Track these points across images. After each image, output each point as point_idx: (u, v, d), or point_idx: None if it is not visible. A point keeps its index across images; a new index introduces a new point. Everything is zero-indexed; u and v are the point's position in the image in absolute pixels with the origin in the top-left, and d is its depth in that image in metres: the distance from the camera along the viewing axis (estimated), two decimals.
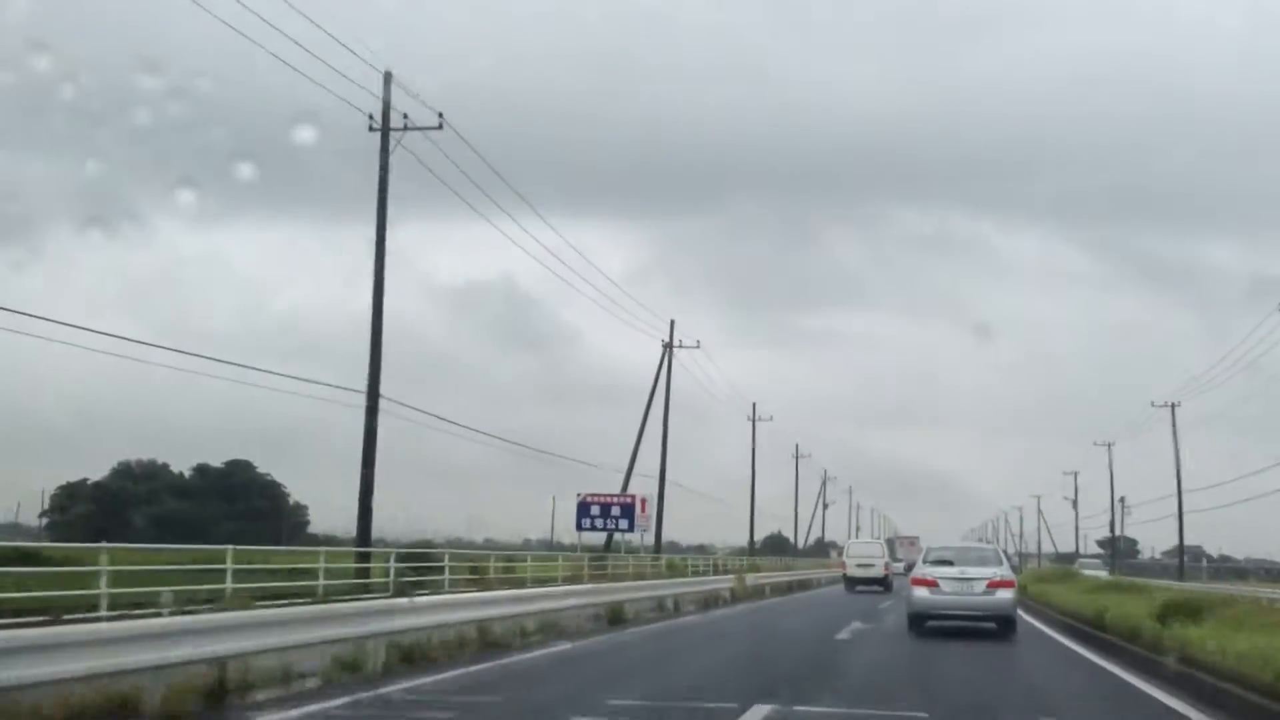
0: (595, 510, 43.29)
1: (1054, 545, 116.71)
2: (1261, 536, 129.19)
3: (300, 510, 71.32)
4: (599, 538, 45.37)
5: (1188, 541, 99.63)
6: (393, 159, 24.33)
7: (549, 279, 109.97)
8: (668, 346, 47.78)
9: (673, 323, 48.20)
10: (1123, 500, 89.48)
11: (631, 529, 43.62)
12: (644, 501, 44.29)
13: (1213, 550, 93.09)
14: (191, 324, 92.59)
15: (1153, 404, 64.98)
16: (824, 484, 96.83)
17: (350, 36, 23.45)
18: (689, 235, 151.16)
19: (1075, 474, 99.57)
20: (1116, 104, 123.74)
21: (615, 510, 43.45)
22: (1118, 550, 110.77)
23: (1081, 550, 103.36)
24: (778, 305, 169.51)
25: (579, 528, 43.33)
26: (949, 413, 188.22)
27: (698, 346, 49.27)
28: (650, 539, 46.56)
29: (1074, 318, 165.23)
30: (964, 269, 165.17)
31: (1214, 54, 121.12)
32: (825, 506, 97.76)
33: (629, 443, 46.56)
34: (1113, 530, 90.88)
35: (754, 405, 69.51)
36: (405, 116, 25.11)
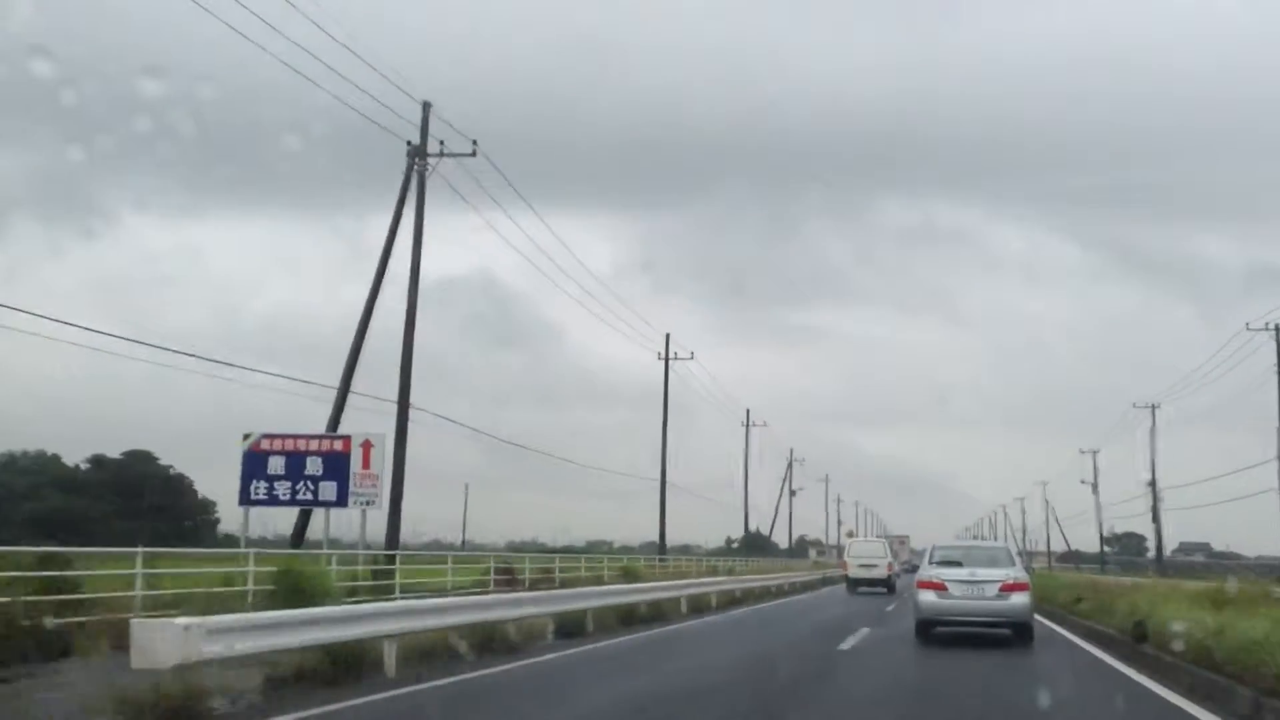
0: (276, 466, 24.64)
1: (1065, 541, 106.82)
2: (1261, 532, 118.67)
3: (208, 507, 65.93)
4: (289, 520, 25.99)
5: (1190, 538, 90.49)
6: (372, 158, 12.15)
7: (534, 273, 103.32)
8: (415, 152, 26.02)
9: (426, 105, 26.59)
10: (1152, 486, 72.93)
11: (343, 501, 24.64)
12: (366, 447, 24.70)
13: (1220, 546, 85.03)
14: (120, 312, 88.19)
15: (1248, 326, 48.35)
16: (789, 467, 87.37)
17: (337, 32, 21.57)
18: (673, 229, 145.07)
19: (1094, 453, 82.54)
20: (1112, 95, 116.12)
21: (313, 465, 24.63)
22: (1126, 547, 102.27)
23: (1097, 547, 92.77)
24: (764, 300, 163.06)
25: (246, 499, 24.84)
26: (938, 409, 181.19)
27: (473, 154, 26.55)
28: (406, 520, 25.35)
29: (1064, 311, 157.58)
30: (952, 262, 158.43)
31: (1209, 40, 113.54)
32: (793, 494, 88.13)
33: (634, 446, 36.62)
34: (1155, 518, 68.92)
35: (667, 337, 52.25)
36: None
